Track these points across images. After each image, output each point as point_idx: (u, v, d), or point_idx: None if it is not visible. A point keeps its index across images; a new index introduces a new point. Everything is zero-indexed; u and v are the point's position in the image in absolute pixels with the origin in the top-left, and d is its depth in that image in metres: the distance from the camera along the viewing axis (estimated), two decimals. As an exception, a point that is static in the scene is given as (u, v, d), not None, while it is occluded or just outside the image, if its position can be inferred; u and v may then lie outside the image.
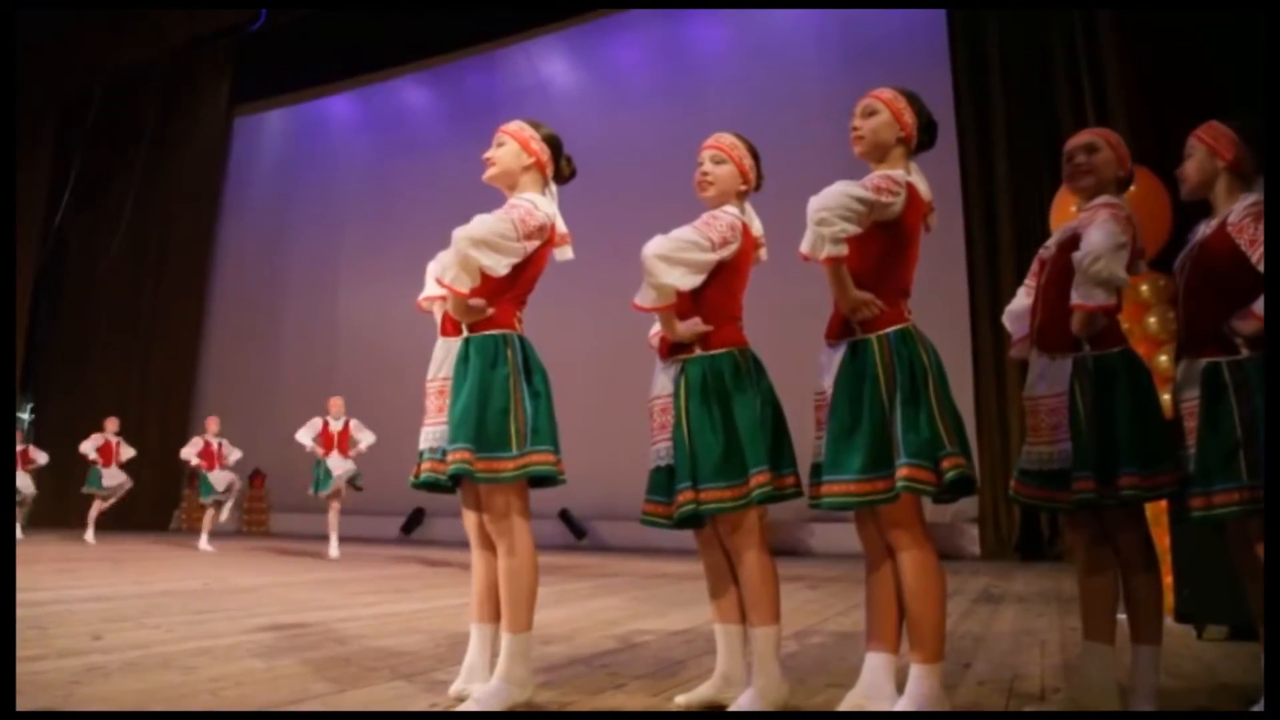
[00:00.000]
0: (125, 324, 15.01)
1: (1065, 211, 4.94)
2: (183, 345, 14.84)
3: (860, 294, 2.23)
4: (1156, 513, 3.81)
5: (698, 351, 2.40)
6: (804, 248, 2.25)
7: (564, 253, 2.64)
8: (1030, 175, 9.00)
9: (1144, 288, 4.61)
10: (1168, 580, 4.00)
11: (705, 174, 2.52)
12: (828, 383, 2.32)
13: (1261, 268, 2.17)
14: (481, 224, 2.39)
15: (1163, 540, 4.09)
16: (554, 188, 2.68)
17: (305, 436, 8.87)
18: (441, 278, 2.44)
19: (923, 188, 2.36)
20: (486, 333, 2.45)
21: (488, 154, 2.61)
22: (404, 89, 14.39)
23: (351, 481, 8.77)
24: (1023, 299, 2.66)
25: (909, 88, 2.43)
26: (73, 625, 3.72)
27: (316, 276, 14.48)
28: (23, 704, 2.27)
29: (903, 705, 2.13)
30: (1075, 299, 2.30)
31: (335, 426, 8.83)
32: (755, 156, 2.56)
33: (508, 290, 2.47)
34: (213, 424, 10.09)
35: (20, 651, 3.00)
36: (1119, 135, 2.56)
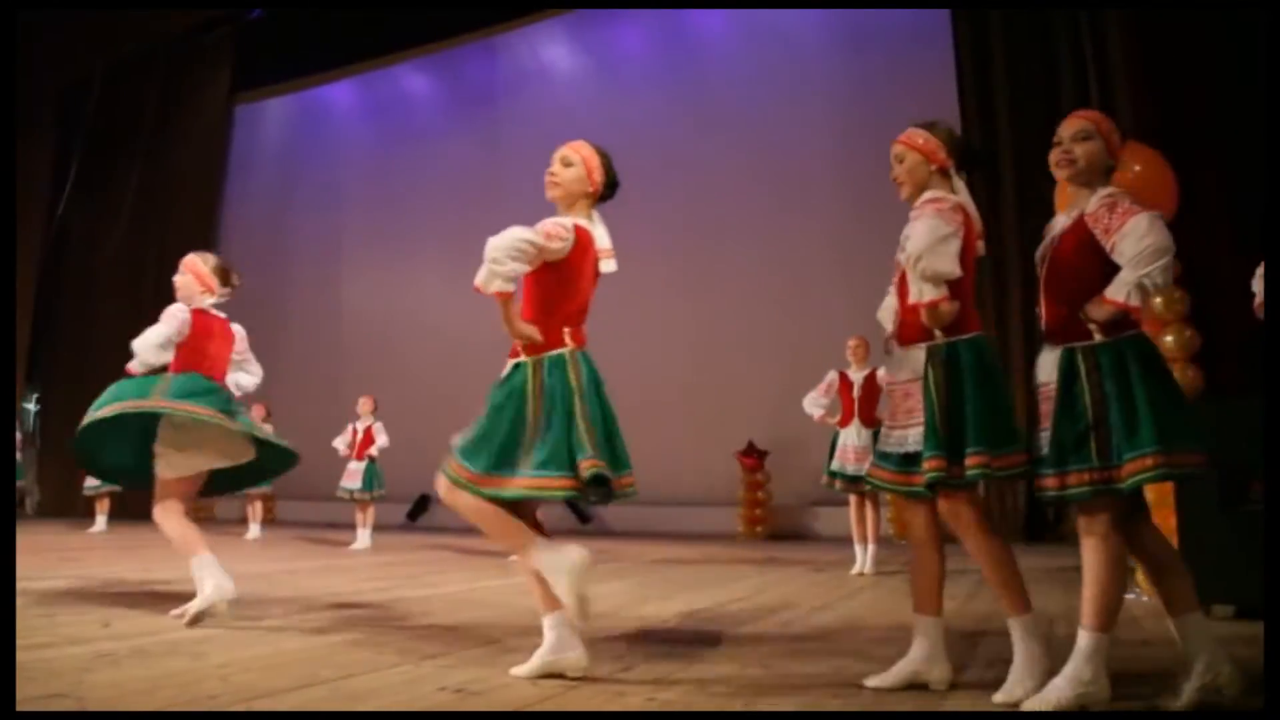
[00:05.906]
0: (128, 312, 14.94)
1: (1065, 200, 4.90)
2: (186, 334, 14.79)
3: (524, 326, 2.57)
4: (1163, 494, 3.81)
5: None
6: (477, 281, 2.50)
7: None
8: (1034, 161, 8.89)
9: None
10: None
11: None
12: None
13: (1115, 255, 2.24)
14: None
15: (1169, 521, 4.09)
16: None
17: (340, 443, 8.77)
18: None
19: (598, 234, 2.69)
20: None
21: None
22: (404, 76, 14.31)
23: (351, 493, 8.59)
24: (891, 298, 2.75)
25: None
26: (82, 612, 3.75)
27: (319, 263, 14.44)
28: (34, 690, 2.29)
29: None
30: (910, 298, 2.47)
31: (360, 427, 8.72)
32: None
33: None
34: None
35: (30, 639, 3.02)
36: (927, 132, 2.63)
